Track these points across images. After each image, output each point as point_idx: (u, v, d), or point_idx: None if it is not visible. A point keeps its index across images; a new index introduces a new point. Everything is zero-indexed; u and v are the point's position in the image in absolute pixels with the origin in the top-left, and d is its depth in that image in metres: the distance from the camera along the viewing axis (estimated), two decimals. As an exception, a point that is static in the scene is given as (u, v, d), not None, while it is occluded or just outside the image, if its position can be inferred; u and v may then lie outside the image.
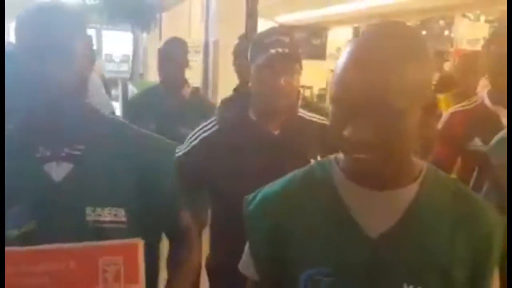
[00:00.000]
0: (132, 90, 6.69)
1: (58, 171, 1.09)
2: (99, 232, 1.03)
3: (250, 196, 0.98)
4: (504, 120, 1.84)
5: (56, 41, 1.05)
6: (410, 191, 0.89)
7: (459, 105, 2.04)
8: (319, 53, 7.62)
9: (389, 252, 0.87)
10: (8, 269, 0.80)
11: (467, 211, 0.91)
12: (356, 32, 7.02)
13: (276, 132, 1.56)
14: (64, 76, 1.06)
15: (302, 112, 1.65)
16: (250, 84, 1.60)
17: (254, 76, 1.56)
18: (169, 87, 2.59)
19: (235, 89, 2.44)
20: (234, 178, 1.47)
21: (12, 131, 1.16)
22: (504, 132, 1.53)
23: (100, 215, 1.07)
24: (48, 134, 1.11)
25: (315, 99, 6.27)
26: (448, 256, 0.88)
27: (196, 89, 2.76)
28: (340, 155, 0.94)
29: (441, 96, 2.87)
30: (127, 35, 10.35)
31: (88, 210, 1.07)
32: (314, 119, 1.66)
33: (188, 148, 1.58)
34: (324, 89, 7.22)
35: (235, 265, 0.96)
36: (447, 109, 2.13)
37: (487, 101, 1.90)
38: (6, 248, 0.83)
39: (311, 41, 7.73)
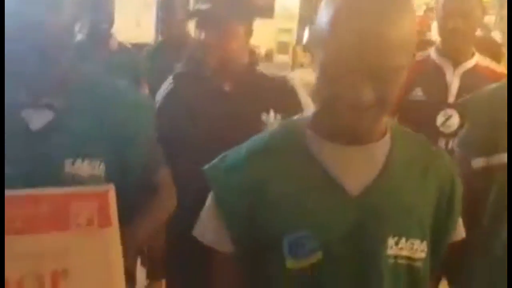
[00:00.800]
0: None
1: (37, 119, 1.07)
2: (79, 185, 1.03)
3: (212, 164, 0.94)
4: (449, 76, 1.93)
5: None
6: (384, 144, 0.90)
7: None
8: (267, 12, 7.57)
9: (372, 207, 0.86)
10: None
11: (432, 160, 0.93)
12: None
13: (227, 89, 1.57)
14: (52, 23, 1.03)
15: (261, 70, 1.66)
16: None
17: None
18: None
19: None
20: (190, 135, 1.49)
21: None
22: (481, 91, 1.57)
23: (79, 167, 1.07)
24: (34, 80, 1.08)
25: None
26: (422, 204, 0.89)
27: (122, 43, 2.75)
28: (307, 114, 0.94)
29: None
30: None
31: (67, 162, 1.06)
32: (274, 76, 1.68)
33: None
34: (271, 49, 7.23)
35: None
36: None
37: (434, 54, 1.97)
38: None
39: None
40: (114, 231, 0.87)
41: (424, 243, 0.88)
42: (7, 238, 0.80)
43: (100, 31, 2.56)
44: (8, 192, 0.83)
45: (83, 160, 1.07)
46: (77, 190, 0.89)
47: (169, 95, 1.57)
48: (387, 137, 0.90)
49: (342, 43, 0.77)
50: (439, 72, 1.92)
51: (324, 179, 0.87)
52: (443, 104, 1.87)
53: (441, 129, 1.86)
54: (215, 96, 1.52)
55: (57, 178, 1.05)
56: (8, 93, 1.08)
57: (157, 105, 1.57)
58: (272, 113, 1.59)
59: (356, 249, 0.85)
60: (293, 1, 7.63)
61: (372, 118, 0.83)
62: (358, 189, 0.86)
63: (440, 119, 1.87)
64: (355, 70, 0.77)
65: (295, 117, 0.98)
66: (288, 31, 7.56)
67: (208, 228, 0.92)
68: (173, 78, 1.63)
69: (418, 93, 1.91)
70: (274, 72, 1.73)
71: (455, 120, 1.85)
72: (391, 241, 0.85)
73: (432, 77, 1.91)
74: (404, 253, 0.86)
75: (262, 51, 7.66)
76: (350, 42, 0.76)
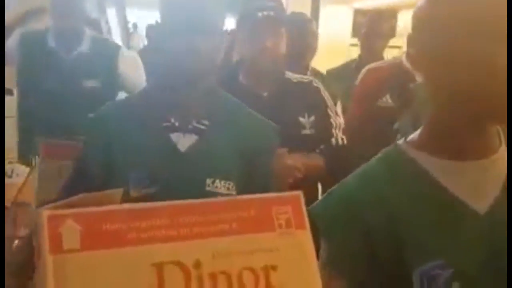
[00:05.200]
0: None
1: (183, 141, 1.19)
2: None
3: (317, 204, 0.93)
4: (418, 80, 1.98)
5: (206, 18, 1.15)
6: (501, 156, 0.88)
7: (379, 62, 2.13)
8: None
9: (500, 225, 0.83)
10: (195, 218, 0.90)
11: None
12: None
13: (265, 94, 1.68)
14: (208, 53, 1.16)
15: (288, 74, 1.78)
16: (238, 49, 1.71)
17: (243, 40, 1.67)
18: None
19: None
20: None
21: (146, 93, 1.24)
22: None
23: (217, 187, 1.18)
24: (181, 106, 1.20)
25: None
26: None
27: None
28: (414, 136, 0.92)
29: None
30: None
31: (208, 181, 1.18)
32: (301, 79, 1.79)
33: None
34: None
35: None
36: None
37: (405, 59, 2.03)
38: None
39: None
40: (307, 234, 0.97)
41: None
42: (228, 238, 0.90)
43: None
44: (222, 199, 0.94)
45: (220, 180, 1.19)
46: (276, 195, 0.99)
47: None
48: (502, 149, 0.89)
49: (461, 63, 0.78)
50: (410, 79, 1.99)
51: (447, 199, 0.84)
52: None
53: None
54: (253, 101, 1.58)
55: (199, 196, 1.16)
56: (160, 119, 1.20)
57: None
58: (306, 115, 1.70)
59: (493, 273, 0.81)
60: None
61: (490, 131, 0.83)
62: (485, 207, 0.84)
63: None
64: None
65: (391, 146, 0.96)
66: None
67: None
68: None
69: (386, 99, 2.02)
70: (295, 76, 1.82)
71: None
72: None
73: (400, 81, 1.91)
74: None
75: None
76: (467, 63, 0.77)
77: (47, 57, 2.47)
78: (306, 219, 0.97)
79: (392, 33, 2.91)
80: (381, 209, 0.86)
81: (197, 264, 0.85)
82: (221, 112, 1.27)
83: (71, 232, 0.80)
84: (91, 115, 1.47)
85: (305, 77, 1.87)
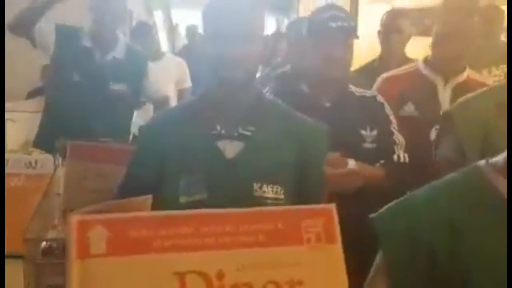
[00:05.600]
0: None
1: (230, 148, 1.20)
2: (263, 206, 1.13)
3: (381, 214, 0.92)
4: (441, 90, 1.82)
5: (248, 24, 1.15)
6: None
7: (394, 70, 2.02)
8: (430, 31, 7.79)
9: None
10: (226, 228, 0.90)
11: None
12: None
13: (328, 105, 1.62)
14: (251, 59, 1.16)
15: (351, 88, 1.71)
16: (303, 57, 1.65)
17: (311, 48, 1.62)
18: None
19: None
20: None
21: (193, 103, 1.27)
22: (467, 96, 1.58)
23: (264, 191, 1.18)
24: (226, 114, 1.22)
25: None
26: None
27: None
28: (494, 159, 0.87)
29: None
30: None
31: (256, 186, 1.17)
32: (364, 94, 1.72)
33: None
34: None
35: None
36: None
37: (424, 68, 1.90)
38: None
39: (423, 21, 8.05)
40: (338, 248, 0.94)
41: None
42: (253, 250, 0.89)
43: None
44: (249, 209, 0.93)
45: (267, 185, 1.18)
46: (306, 208, 0.97)
47: None
48: None
49: None
50: (431, 87, 1.90)
51: None
52: (435, 119, 1.82)
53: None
54: (315, 111, 1.55)
55: (247, 200, 1.16)
56: (207, 126, 1.21)
57: None
58: (368, 129, 1.63)
59: None
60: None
61: None
62: None
63: (434, 133, 1.83)
64: None
65: (470, 167, 0.92)
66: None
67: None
68: (270, 92, 1.67)
69: (410, 108, 1.88)
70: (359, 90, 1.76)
71: None
72: None
73: (423, 91, 1.88)
74: None
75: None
76: None
77: (81, 55, 2.42)
78: (338, 233, 0.94)
79: (412, 31, 2.74)
80: (449, 233, 0.83)
81: (220, 275, 0.85)
82: (267, 118, 1.26)
83: (99, 237, 0.83)
84: (143, 123, 1.52)
85: (368, 91, 1.82)
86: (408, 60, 2.60)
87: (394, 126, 1.71)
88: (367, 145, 1.64)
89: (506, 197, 0.83)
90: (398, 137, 1.70)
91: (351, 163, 1.53)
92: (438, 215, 0.86)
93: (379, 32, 2.78)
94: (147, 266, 0.83)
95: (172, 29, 8.91)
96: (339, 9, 1.67)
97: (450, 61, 1.86)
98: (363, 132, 1.66)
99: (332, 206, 0.96)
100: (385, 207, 0.93)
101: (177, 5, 9.25)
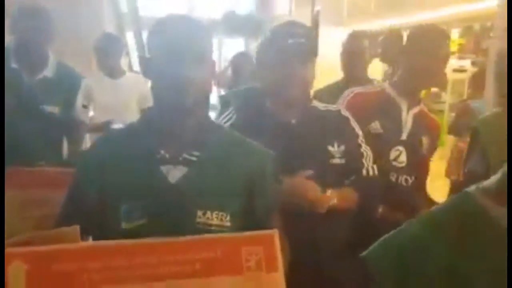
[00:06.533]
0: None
1: (174, 173, 1.15)
2: (206, 233, 1.08)
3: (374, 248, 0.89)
4: (405, 114, 1.93)
5: (195, 48, 1.11)
6: None
7: (363, 87, 2.09)
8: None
9: None
10: (166, 257, 0.85)
11: None
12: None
13: (293, 121, 1.61)
14: (198, 83, 1.12)
15: (314, 103, 1.70)
16: (266, 74, 1.63)
17: (268, 65, 1.60)
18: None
19: None
20: None
21: (138, 126, 1.22)
22: (493, 111, 1.63)
23: (208, 218, 1.13)
24: (171, 138, 1.17)
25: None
26: None
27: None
28: (485, 184, 0.86)
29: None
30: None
31: (199, 212, 1.13)
32: (328, 108, 1.72)
33: None
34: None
35: None
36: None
37: (390, 90, 1.97)
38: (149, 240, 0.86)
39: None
40: (279, 277, 0.90)
41: None
42: (189, 281, 0.84)
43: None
44: (186, 238, 0.88)
45: (212, 212, 1.13)
46: (247, 234, 0.93)
47: (232, 127, 1.56)
48: None
49: None
50: (396, 108, 1.95)
51: None
52: (397, 140, 1.90)
53: (393, 163, 1.89)
54: (281, 128, 1.53)
55: (189, 227, 1.11)
56: (151, 151, 1.16)
57: None
58: (336, 145, 1.63)
59: None
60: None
61: None
62: None
63: (393, 153, 1.89)
64: None
65: (471, 189, 0.89)
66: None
67: None
68: (235, 110, 1.64)
69: (376, 125, 1.92)
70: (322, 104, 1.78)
71: (404, 157, 1.90)
72: None
73: (389, 111, 1.94)
74: None
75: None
76: None
77: (9, 77, 2.21)
78: (280, 261, 0.90)
79: (374, 53, 2.79)
80: (445, 263, 0.81)
81: (154, 309, 0.80)
82: (213, 143, 1.22)
83: (17, 272, 0.76)
84: (83, 149, 1.44)
85: (332, 106, 1.81)
86: (370, 82, 2.62)
87: (361, 139, 1.71)
88: (336, 160, 1.62)
89: (498, 222, 0.81)
90: (366, 150, 1.69)
91: (331, 195, 1.51)
92: (432, 246, 0.84)
93: (341, 54, 2.80)
94: None
95: (143, 50, 8.78)
96: (297, 25, 1.65)
97: (414, 91, 1.96)
98: (330, 148, 1.64)
99: (274, 232, 0.92)
100: (375, 244, 0.90)
101: (149, 27, 9.16)
